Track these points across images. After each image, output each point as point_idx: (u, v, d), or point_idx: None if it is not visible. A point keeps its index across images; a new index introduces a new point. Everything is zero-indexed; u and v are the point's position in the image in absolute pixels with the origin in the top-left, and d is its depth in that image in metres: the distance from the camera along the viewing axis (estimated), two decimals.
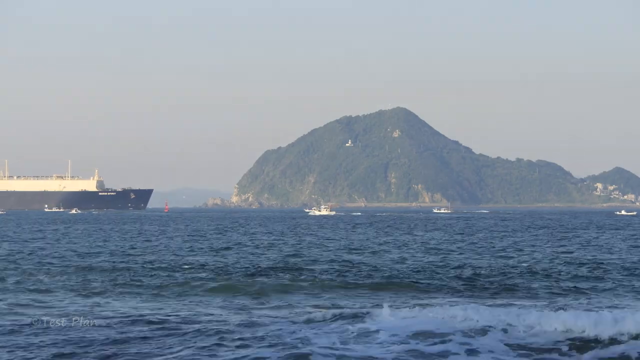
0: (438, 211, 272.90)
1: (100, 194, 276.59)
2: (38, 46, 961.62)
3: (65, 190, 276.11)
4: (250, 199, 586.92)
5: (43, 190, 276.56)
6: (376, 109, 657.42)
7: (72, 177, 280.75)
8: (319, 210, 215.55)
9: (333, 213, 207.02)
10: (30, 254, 51.97)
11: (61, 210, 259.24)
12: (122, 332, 20.87)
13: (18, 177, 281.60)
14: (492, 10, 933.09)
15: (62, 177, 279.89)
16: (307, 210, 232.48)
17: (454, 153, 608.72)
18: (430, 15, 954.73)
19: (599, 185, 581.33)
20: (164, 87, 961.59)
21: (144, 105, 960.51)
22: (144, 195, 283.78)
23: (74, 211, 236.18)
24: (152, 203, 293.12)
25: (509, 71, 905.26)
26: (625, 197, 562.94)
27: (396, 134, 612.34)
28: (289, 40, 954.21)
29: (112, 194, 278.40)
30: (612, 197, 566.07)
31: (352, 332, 19.86)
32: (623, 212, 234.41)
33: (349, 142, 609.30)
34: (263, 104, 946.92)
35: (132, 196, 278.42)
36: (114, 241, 69.14)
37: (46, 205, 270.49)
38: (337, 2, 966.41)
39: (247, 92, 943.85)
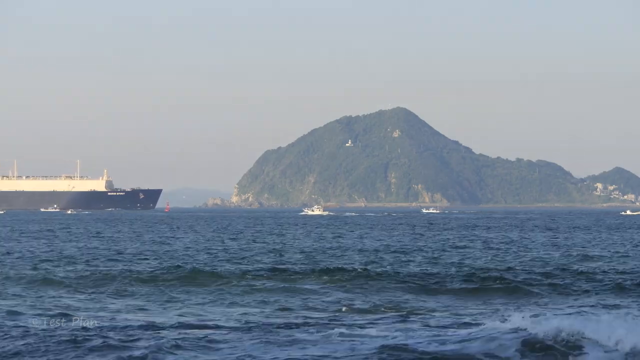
0: (427, 211, 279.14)
1: (109, 194, 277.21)
2: (38, 46, 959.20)
3: (74, 190, 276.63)
4: (250, 199, 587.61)
5: (52, 190, 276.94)
6: (376, 109, 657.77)
7: (81, 177, 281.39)
8: (312, 211, 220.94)
9: (326, 213, 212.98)
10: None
11: (57, 210, 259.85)
12: None
13: (27, 177, 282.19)
14: (492, 10, 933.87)
15: (71, 177, 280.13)
16: (305, 210, 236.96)
17: (454, 153, 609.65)
18: (430, 15, 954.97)
19: (599, 185, 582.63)
20: (164, 87, 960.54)
21: (144, 105, 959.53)
22: (153, 195, 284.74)
23: (69, 212, 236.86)
24: None
25: (509, 71, 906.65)
26: (625, 197, 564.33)
27: (396, 134, 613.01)
28: (289, 40, 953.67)
29: (121, 194, 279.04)
30: (612, 197, 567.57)
31: None
32: (628, 212, 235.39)
33: (349, 142, 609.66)
34: (263, 104, 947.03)
35: (141, 196, 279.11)
36: None
37: (55, 206, 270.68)
38: (337, 2, 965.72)
39: (247, 92, 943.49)
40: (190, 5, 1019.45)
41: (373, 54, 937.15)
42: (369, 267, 42.92)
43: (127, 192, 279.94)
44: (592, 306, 28.47)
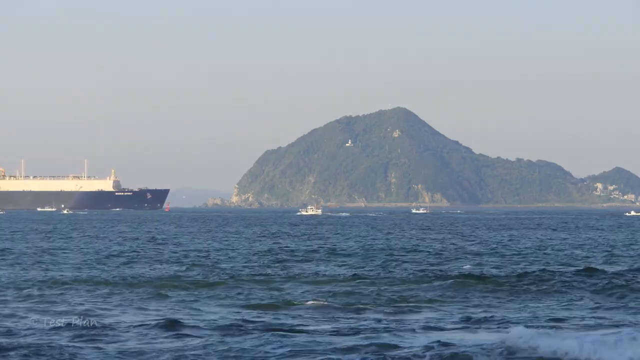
0: (417, 211, 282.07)
1: (116, 194, 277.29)
2: (38, 46, 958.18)
3: (81, 190, 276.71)
4: (250, 199, 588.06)
5: (59, 190, 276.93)
6: (376, 109, 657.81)
7: (89, 177, 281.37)
8: (306, 211, 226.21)
9: (320, 212, 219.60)
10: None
11: (54, 210, 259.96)
12: None
13: (34, 177, 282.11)
14: (492, 10, 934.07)
15: (78, 177, 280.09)
16: (300, 210, 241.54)
17: (454, 153, 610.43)
18: (430, 15, 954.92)
19: (599, 185, 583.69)
20: (164, 87, 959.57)
21: (144, 105, 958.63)
22: (161, 195, 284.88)
23: (65, 211, 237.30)
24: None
25: (509, 71, 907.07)
26: (625, 197, 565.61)
27: (396, 134, 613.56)
28: (289, 40, 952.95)
29: (129, 194, 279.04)
30: (612, 197, 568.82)
31: None
32: (632, 213, 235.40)
33: (349, 142, 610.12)
34: (263, 104, 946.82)
35: (149, 196, 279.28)
36: None
37: (63, 206, 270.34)
38: (337, 2, 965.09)
39: (247, 92, 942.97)
40: (190, 5, 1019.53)
41: (373, 54, 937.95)
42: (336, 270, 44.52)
43: (134, 192, 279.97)
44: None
